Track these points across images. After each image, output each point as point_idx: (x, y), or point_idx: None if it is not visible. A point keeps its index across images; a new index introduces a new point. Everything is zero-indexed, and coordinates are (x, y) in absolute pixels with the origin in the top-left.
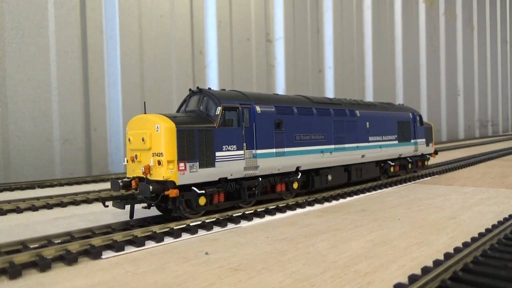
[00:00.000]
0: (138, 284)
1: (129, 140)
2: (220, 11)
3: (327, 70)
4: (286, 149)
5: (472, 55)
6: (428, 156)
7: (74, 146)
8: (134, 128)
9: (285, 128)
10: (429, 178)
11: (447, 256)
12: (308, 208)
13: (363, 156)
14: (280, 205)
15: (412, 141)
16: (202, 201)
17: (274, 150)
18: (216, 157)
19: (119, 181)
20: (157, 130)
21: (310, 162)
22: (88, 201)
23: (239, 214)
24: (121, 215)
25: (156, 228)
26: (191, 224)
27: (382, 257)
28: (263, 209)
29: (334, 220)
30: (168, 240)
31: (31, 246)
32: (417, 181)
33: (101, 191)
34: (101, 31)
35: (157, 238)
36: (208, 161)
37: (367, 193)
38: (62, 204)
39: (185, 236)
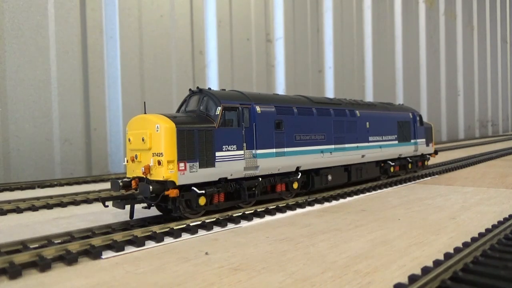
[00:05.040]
0: (138, 284)
1: (129, 140)
2: (220, 11)
3: (327, 70)
4: (286, 149)
5: (472, 55)
6: (428, 156)
7: (74, 146)
8: (134, 128)
9: (285, 128)
10: (429, 178)
11: (447, 256)
12: (308, 208)
13: (363, 156)
14: (280, 205)
15: (412, 141)
16: (202, 201)
17: (274, 150)
18: (216, 157)
19: (119, 181)
20: (157, 130)
21: (310, 162)
22: (88, 201)
23: (239, 214)
24: (121, 215)
25: (156, 228)
26: (191, 224)
27: (382, 257)
28: (263, 209)
29: (334, 220)
30: (168, 240)
31: (31, 246)
32: (417, 181)
33: (101, 191)
34: (101, 31)
35: (157, 238)
36: (208, 161)
37: (367, 193)
38: (62, 204)
39: (185, 236)
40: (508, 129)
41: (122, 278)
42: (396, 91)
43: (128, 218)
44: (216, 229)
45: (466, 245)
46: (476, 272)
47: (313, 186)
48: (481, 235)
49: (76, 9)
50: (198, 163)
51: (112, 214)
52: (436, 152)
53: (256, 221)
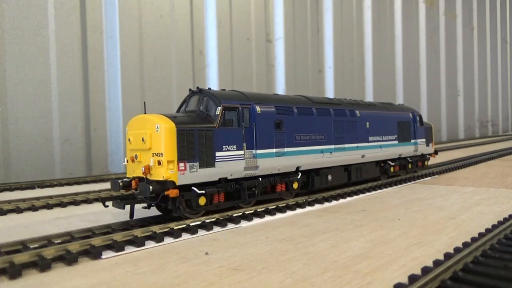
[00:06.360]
0: (138, 284)
1: (129, 140)
2: (220, 11)
3: (327, 70)
4: (286, 149)
5: (472, 55)
6: (428, 156)
7: (74, 146)
8: (134, 128)
9: (285, 128)
10: (429, 178)
11: (447, 256)
12: (308, 208)
13: (363, 156)
14: (280, 205)
15: (412, 141)
16: (202, 201)
17: (274, 150)
18: (216, 157)
19: (119, 181)
20: (157, 130)
21: (310, 162)
22: (88, 201)
23: (239, 214)
24: (121, 215)
25: (156, 228)
26: (191, 224)
27: (382, 257)
28: (263, 209)
29: (334, 220)
30: (168, 240)
31: (31, 246)
32: (417, 181)
33: (101, 191)
34: (101, 31)
35: (157, 238)
36: (208, 161)
37: (367, 193)
38: (62, 204)
39: (185, 236)
40: (508, 129)
41: (122, 278)
42: (396, 91)
43: (128, 218)
44: (216, 229)
45: (466, 245)
46: (476, 272)
47: (313, 186)
48: (481, 235)
49: (76, 9)
50: (198, 163)
51: (112, 214)
52: (436, 152)
53: (256, 221)
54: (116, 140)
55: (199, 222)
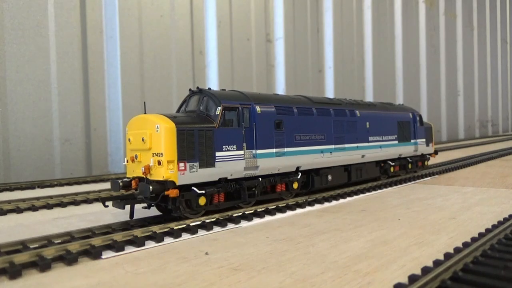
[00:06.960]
0: (138, 284)
1: (129, 140)
2: (220, 11)
3: (327, 70)
4: (286, 149)
5: (472, 55)
6: (428, 156)
7: (74, 146)
8: (134, 128)
9: (285, 128)
10: (429, 178)
11: (447, 256)
12: (308, 208)
13: (363, 156)
14: (280, 205)
15: (412, 141)
16: (202, 201)
17: (274, 150)
18: (216, 157)
19: (119, 181)
20: (157, 130)
21: (310, 162)
22: (88, 201)
23: (239, 214)
24: (121, 215)
25: (156, 228)
26: (191, 224)
27: (382, 257)
28: (263, 209)
29: (334, 220)
30: (168, 240)
31: (31, 246)
32: (417, 181)
33: (101, 191)
34: (101, 31)
35: (157, 238)
36: (208, 161)
37: (367, 193)
38: (62, 204)
39: (185, 236)
40: (508, 129)
41: (122, 278)
42: (396, 91)
43: (128, 218)
44: (216, 229)
45: (466, 245)
46: (476, 272)
47: (313, 186)
48: (481, 235)
49: (76, 9)
50: (198, 163)
51: (112, 214)
52: (436, 152)
53: (256, 221)
54: (116, 140)
55: (199, 222)
